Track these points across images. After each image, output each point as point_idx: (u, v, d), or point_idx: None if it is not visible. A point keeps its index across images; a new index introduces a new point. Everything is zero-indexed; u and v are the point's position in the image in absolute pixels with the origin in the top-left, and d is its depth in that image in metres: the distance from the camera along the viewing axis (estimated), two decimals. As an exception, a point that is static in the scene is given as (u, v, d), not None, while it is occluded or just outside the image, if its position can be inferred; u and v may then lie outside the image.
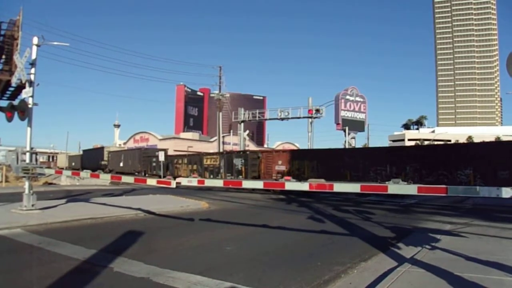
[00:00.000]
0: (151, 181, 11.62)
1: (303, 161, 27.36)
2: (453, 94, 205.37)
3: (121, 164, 51.12)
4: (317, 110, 45.59)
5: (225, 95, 53.05)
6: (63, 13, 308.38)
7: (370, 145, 61.75)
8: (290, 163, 28.05)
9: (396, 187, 7.45)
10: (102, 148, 63.11)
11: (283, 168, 28.16)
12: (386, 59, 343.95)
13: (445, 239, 9.59)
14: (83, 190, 26.43)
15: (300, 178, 22.24)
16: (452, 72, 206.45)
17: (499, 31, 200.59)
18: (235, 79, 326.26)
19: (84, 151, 73.62)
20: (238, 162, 32.11)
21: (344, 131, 50.45)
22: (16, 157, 13.37)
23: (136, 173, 45.30)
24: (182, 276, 6.30)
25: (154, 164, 43.86)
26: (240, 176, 31.09)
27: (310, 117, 45.55)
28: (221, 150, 47.93)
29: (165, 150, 49.53)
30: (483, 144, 29.88)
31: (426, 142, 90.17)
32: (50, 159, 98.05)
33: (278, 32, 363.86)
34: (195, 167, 37.69)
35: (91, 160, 61.72)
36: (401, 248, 8.68)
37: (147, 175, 44.39)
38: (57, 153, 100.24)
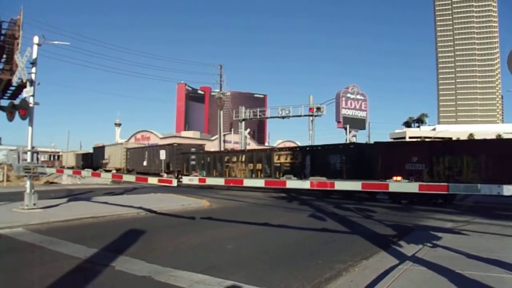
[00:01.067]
0: (153, 180, 11.64)
1: (460, 157, 19.04)
2: (454, 92, 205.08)
3: (145, 163, 44.50)
4: (318, 108, 45.54)
5: (226, 94, 53.01)
6: (64, 12, 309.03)
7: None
8: (432, 160, 19.91)
9: (398, 185, 7.47)
10: (103, 147, 61.02)
11: (420, 167, 20.01)
12: (387, 58, 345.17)
13: (446, 237, 9.59)
14: (84, 189, 26.44)
15: (456, 181, 17.89)
16: (453, 70, 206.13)
17: (500, 29, 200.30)
18: (236, 77, 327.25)
19: (94, 148, 68.17)
20: (334, 160, 24.21)
21: (345, 129, 50.36)
22: (18, 156, 13.39)
23: (166, 174, 36.29)
24: (184, 275, 6.31)
25: (193, 162, 36.61)
26: (339, 179, 20.36)
27: (311, 115, 45.49)
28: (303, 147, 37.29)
29: (202, 146, 45.09)
30: None
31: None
32: (52, 158, 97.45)
33: (279, 31, 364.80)
34: (259, 166, 29.27)
35: (102, 158, 57.49)
36: (402, 246, 8.68)
37: (180, 176, 31.82)
38: (58, 152, 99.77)
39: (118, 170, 49.66)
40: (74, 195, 20.35)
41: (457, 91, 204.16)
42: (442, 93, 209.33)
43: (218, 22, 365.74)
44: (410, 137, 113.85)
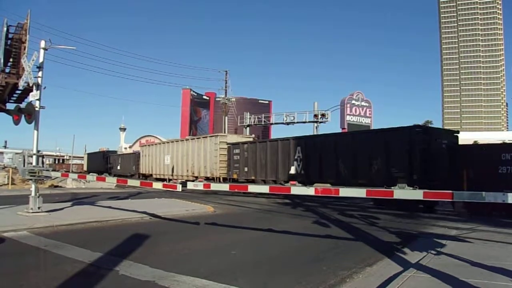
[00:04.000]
0: (157, 185, 11.68)
1: None
2: (458, 99, 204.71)
3: (294, 170, 25.14)
4: (323, 115, 45.61)
5: (231, 99, 53.17)
6: (70, 16, 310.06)
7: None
8: None
9: (402, 192, 7.45)
10: (162, 144, 41.87)
11: None
12: (391, 64, 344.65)
13: (451, 245, 9.55)
14: (88, 193, 26.48)
15: None
16: (458, 78, 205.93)
17: (505, 36, 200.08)
18: (241, 83, 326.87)
19: (143, 148, 45.92)
20: None
21: (350, 135, 50.30)
22: (23, 160, 13.45)
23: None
24: (187, 280, 6.31)
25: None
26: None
27: (316, 122, 45.55)
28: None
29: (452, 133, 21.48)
30: None
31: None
32: (57, 162, 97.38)
33: (284, 36, 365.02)
34: None
35: (161, 162, 39.71)
36: (406, 253, 8.65)
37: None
38: (63, 156, 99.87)
39: (215, 179, 31.12)
40: (78, 199, 20.40)
41: (462, 99, 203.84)
42: (447, 100, 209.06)
43: (223, 28, 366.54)
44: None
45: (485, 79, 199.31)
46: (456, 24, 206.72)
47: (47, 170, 14.07)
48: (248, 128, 50.69)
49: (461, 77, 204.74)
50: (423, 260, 7.61)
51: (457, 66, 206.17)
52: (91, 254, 8.00)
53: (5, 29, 20.86)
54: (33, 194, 13.24)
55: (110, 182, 15.35)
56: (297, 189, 8.83)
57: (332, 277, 6.74)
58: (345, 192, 8.56)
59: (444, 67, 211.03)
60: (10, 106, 21.63)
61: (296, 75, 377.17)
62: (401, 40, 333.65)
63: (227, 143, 31.42)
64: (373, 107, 54.87)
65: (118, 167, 50.50)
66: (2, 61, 21.36)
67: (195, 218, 14.67)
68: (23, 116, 13.86)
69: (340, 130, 52.06)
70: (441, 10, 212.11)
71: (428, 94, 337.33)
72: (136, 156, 47.41)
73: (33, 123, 13.69)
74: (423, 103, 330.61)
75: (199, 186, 10.20)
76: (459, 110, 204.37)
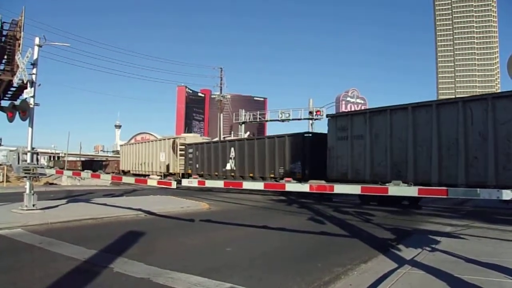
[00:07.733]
0: (152, 182, 11.66)
1: None
2: (453, 97, 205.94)
3: None
4: (318, 112, 45.64)
5: (226, 97, 53.07)
6: (64, 13, 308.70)
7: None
8: None
9: (396, 189, 7.46)
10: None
11: None
12: (386, 61, 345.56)
13: (445, 241, 9.58)
14: (84, 190, 26.44)
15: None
16: (453, 75, 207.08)
17: (500, 34, 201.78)
18: (236, 80, 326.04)
19: (339, 117, 21.65)
20: None
21: (345, 132, 50.36)
22: (17, 157, 13.39)
23: None
24: (182, 277, 6.30)
25: None
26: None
27: (311, 119, 45.58)
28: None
29: None
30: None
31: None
32: (52, 159, 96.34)
33: (279, 33, 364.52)
34: None
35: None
36: (401, 249, 8.66)
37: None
38: (58, 154, 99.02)
39: None
40: (73, 196, 20.34)
41: (457, 96, 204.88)
42: (441, 97, 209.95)
43: (218, 25, 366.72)
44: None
45: (480, 76, 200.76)
46: (451, 22, 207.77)
47: (41, 167, 14.02)
48: (243, 125, 50.67)
49: (456, 74, 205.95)
50: (418, 257, 7.62)
51: (452, 64, 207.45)
52: (86, 251, 7.97)
53: (-1, 26, 20.78)
54: (27, 191, 13.18)
55: (105, 179, 15.30)
56: (292, 186, 8.81)
57: (327, 273, 6.75)
58: (339, 188, 8.56)
59: (439, 64, 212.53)
60: (5, 103, 21.55)
61: (291, 72, 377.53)
62: (397, 37, 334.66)
63: None
64: (369, 104, 54.95)
65: (229, 166, 28.79)
66: (-4, 58, 21.31)
67: (190, 215, 14.66)
68: (17, 113, 13.80)
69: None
70: (437, 8, 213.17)
71: (423, 91, 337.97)
72: (299, 141, 24.06)
73: (27, 120, 13.64)
74: (419, 100, 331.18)
75: (194, 183, 10.19)
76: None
